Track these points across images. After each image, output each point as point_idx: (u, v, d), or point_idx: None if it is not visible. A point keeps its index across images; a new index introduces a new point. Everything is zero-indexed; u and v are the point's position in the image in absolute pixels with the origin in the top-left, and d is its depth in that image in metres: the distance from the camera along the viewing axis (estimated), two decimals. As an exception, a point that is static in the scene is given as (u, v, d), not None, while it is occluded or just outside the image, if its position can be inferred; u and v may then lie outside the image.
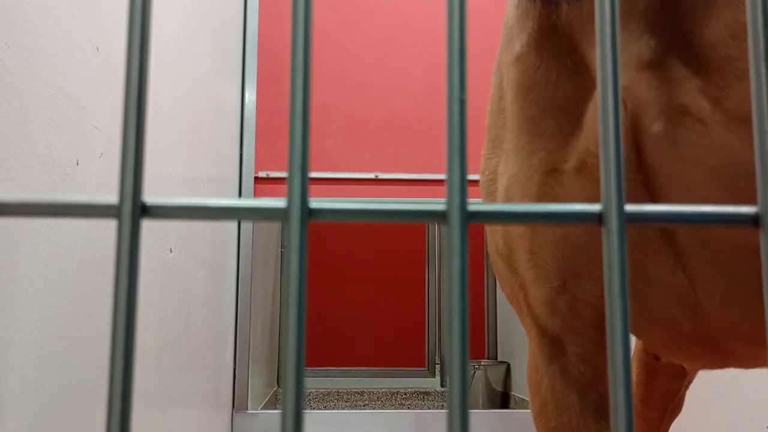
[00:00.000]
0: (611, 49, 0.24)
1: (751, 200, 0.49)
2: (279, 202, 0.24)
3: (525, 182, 0.61)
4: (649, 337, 0.71)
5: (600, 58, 0.24)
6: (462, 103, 0.24)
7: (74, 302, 0.90)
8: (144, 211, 0.23)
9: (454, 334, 0.23)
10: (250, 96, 2.24)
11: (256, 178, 2.18)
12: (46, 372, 0.82)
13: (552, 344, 0.67)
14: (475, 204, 0.24)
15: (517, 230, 0.62)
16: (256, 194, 2.17)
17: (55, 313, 0.85)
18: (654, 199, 0.55)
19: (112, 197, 0.23)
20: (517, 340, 3.09)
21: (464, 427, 0.22)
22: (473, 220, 0.23)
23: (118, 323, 0.23)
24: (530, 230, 0.61)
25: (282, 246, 3.27)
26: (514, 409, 2.92)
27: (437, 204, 0.24)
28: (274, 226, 3.04)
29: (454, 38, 0.24)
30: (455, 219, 0.23)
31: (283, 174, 2.17)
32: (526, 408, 2.71)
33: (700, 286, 0.57)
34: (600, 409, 0.68)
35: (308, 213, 0.23)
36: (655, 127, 0.54)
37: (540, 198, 0.60)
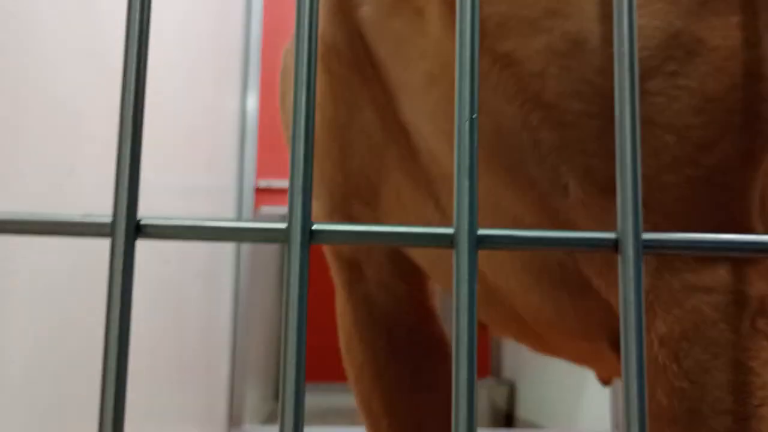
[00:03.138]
0: (629, 64, 0.23)
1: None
2: (279, 224, 0.23)
3: (283, 76, 0.59)
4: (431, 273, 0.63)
5: (617, 73, 0.23)
6: (473, 122, 0.23)
7: (66, 315, 0.89)
8: (139, 230, 0.22)
9: (461, 360, 0.22)
10: (252, 103, 2.21)
11: (257, 189, 2.16)
12: (36, 386, 0.80)
13: (349, 268, 0.61)
14: (486, 229, 0.23)
15: (318, 127, 0.54)
16: (257, 205, 2.15)
17: (46, 326, 0.83)
18: (392, 103, 0.49)
19: (106, 215, 0.22)
20: (523, 360, 3.06)
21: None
22: (483, 245, 0.22)
23: (111, 343, 0.22)
24: (321, 141, 0.54)
25: (282, 257, 3.26)
26: (518, 428, 2.89)
27: (445, 228, 0.23)
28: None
29: (465, 56, 0.23)
30: (464, 244, 0.22)
31: (285, 184, 2.15)
32: (532, 428, 2.69)
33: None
34: (412, 352, 0.62)
35: (310, 235, 0.22)
36: (365, 9, 0.47)
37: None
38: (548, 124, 0.40)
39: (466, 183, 0.23)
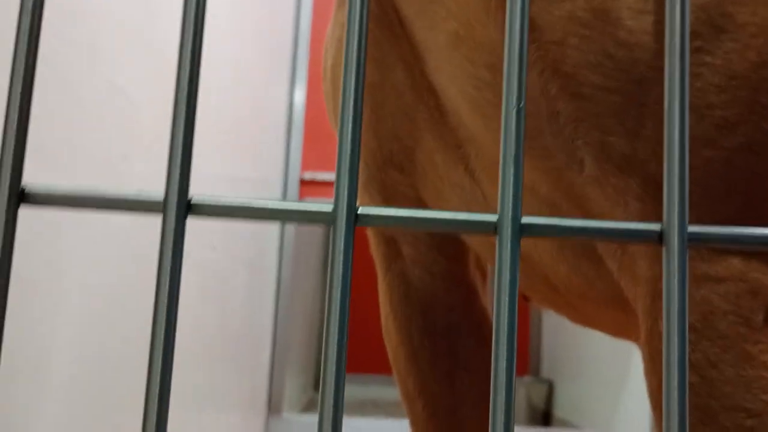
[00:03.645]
0: (680, 54, 0.23)
1: (490, 75, 0.42)
2: (325, 206, 0.23)
3: (327, 42, 0.58)
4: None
5: (668, 61, 0.23)
6: (520, 111, 0.23)
7: (113, 297, 0.91)
8: (189, 208, 0.23)
9: (500, 350, 0.22)
10: (299, 96, 2.23)
11: (302, 181, 2.18)
12: (82, 366, 0.83)
13: (386, 244, 0.60)
14: (530, 217, 0.23)
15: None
16: (301, 197, 2.17)
17: (94, 308, 0.86)
18: (420, 63, 0.48)
19: (158, 193, 0.23)
20: (562, 358, 3.04)
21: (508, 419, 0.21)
22: (526, 233, 0.22)
23: (159, 320, 0.23)
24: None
25: (325, 248, 3.28)
26: (555, 427, 2.86)
27: (489, 215, 0.23)
28: (318, 230, 3.05)
29: (513, 45, 0.24)
30: (507, 231, 0.22)
31: (330, 177, 2.17)
32: (569, 428, 2.66)
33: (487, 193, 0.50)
34: (450, 332, 0.60)
35: (355, 218, 0.23)
36: None
37: (335, 56, 0.55)
38: (566, 95, 0.39)
39: (511, 172, 0.23)
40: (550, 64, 0.39)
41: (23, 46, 0.24)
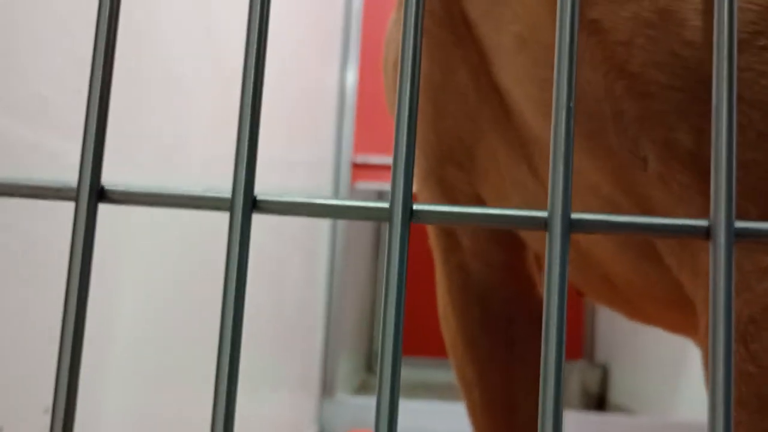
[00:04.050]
0: (728, 53, 0.23)
1: (551, 73, 0.42)
2: (382, 203, 0.24)
3: (387, 39, 0.59)
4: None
5: (716, 56, 0.24)
6: (569, 110, 0.24)
7: (173, 288, 0.94)
8: (255, 205, 0.24)
9: (550, 345, 0.23)
10: (351, 79, 2.23)
11: (354, 164, 2.19)
12: (143, 355, 0.86)
13: (445, 236, 0.62)
14: (579, 213, 0.24)
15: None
16: (353, 180, 2.18)
17: (154, 299, 0.89)
18: (485, 64, 0.49)
19: (225, 190, 0.24)
20: (617, 342, 3.01)
21: (557, 413, 0.22)
22: (576, 229, 0.23)
23: (227, 314, 0.24)
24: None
25: (376, 232, 3.30)
26: (610, 412, 2.85)
27: (540, 211, 0.24)
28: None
29: (564, 43, 0.24)
30: (557, 227, 0.23)
31: (381, 160, 2.17)
32: (625, 412, 2.64)
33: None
34: (508, 322, 0.61)
35: (410, 215, 0.24)
36: None
37: (396, 55, 0.56)
38: (631, 94, 0.40)
39: (561, 168, 0.23)
40: (615, 65, 0.40)
41: (102, 47, 0.25)
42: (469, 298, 0.62)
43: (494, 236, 0.60)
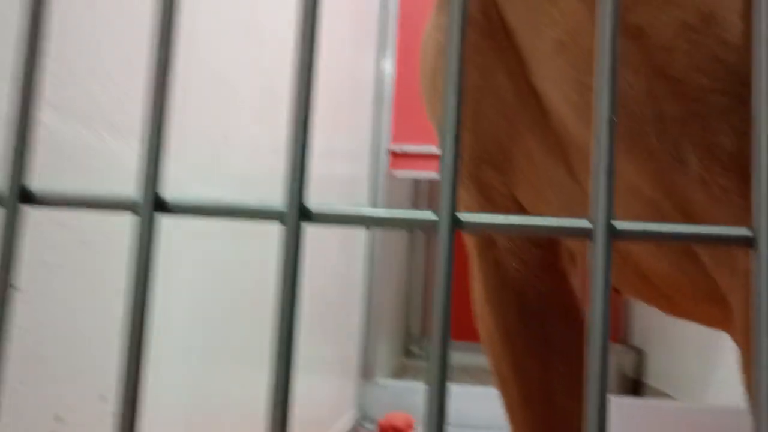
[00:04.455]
0: (766, 56, 0.24)
1: (590, 78, 0.43)
2: (429, 213, 0.25)
3: (424, 44, 0.60)
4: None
5: (755, 65, 0.24)
6: (611, 123, 0.24)
7: (223, 271, 0.97)
8: (307, 216, 0.25)
9: (594, 351, 0.24)
10: (388, 67, 2.24)
11: (391, 152, 2.20)
12: (194, 334, 0.88)
13: (481, 235, 0.63)
14: (622, 222, 0.24)
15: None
16: (390, 168, 2.19)
17: (204, 281, 0.91)
18: (523, 68, 0.50)
19: (278, 204, 0.26)
20: (652, 327, 2.98)
21: (602, 416, 0.23)
22: (619, 238, 0.24)
23: (283, 316, 0.25)
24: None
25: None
26: (646, 396, 2.83)
27: (583, 221, 0.24)
28: (406, 199, 3.08)
29: (604, 55, 0.25)
30: (600, 237, 0.24)
31: (418, 149, 2.18)
32: (661, 396, 2.62)
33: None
34: (544, 318, 0.62)
35: (456, 224, 0.25)
36: None
37: (434, 60, 0.57)
38: (673, 98, 0.40)
39: (603, 179, 0.24)
40: (657, 69, 0.40)
41: (163, 40, 0.26)
42: (505, 294, 0.62)
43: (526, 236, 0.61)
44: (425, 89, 0.61)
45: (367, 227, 0.26)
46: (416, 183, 3.29)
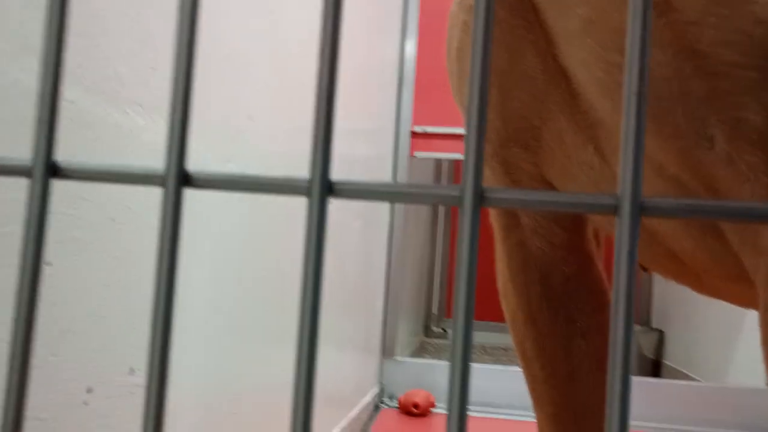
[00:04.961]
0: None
1: (618, 57, 0.43)
2: (453, 189, 0.25)
3: (450, 24, 0.60)
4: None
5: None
6: (641, 95, 0.24)
7: (244, 248, 0.97)
8: (331, 191, 0.25)
9: (618, 329, 0.23)
10: (410, 49, 2.24)
11: (413, 133, 2.20)
12: (217, 310, 0.89)
13: (505, 214, 0.63)
14: (649, 197, 0.24)
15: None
16: (412, 150, 2.19)
17: (226, 258, 0.92)
18: (552, 48, 0.50)
19: (303, 178, 0.26)
20: (672, 308, 2.97)
21: (624, 403, 0.23)
22: (647, 213, 0.24)
23: (307, 291, 0.25)
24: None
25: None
26: (666, 377, 2.82)
27: (609, 197, 0.24)
28: (427, 181, 3.08)
29: (635, 27, 0.24)
30: (626, 212, 0.24)
31: (440, 130, 2.18)
32: (680, 378, 2.62)
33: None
34: (568, 298, 0.62)
35: (481, 199, 0.25)
36: None
37: (460, 40, 0.58)
38: (700, 74, 0.40)
39: (631, 153, 0.24)
40: (685, 45, 0.40)
41: (186, 25, 0.26)
42: (529, 275, 0.62)
43: (553, 216, 0.62)
44: (451, 68, 0.62)
45: (392, 202, 0.26)
46: (438, 164, 3.28)
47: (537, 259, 0.62)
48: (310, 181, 0.25)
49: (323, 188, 0.25)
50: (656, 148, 0.44)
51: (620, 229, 0.24)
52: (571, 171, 0.54)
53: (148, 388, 0.26)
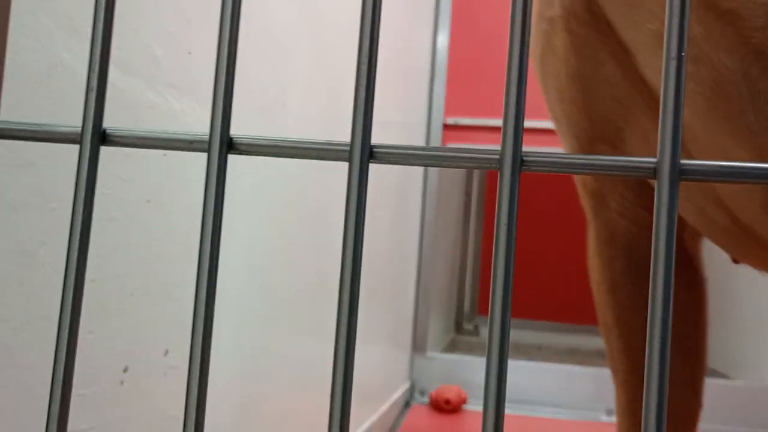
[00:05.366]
0: None
1: (690, 66, 0.46)
2: (494, 152, 0.25)
3: (531, 30, 0.67)
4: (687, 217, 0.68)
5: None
6: (680, 59, 0.24)
7: (279, 232, 0.98)
8: (372, 155, 0.26)
9: (657, 289, 0.24)
10: (442, 40, 2.24)
11: (445, 125, 2.20)
12: (250, 294, 0.90)
13: (593, 197, 0.68)
14: (689, 161, 0.24)
15: (564, 77, 0.62)
16: (444, 141, 2.19)
17: (260, 240, 0.93)
18: (630, 57, 0.54)
19: (344, 143, 0.26)
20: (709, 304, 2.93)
21: (661, 399, 0.23)
22: (685, 177, 0.24)
23: (347, 260, 0.26)
24: (571, 80, 0.60)
25: (466, 195, 3.29)
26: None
27: (648, 159, 0.24)
28: (460, 173, 3.07)
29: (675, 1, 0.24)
30: (665, 175, 0.24)
31: (472, 122, 2.17)
32: (717, 377, 2.58)
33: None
34: (647, 277, 0.66)
35: (521, 163, 0.25)
36: None
37: (541, 46, 0.62)
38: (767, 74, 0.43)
39: (670, 117, 0.24)
40: (752, 49, 0.43)
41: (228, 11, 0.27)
42: (613, 249, 0.68)
43: (639, 199, 0.66)
44: (534, 69, 0.68)
45: (431, 166, 0.26)
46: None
47: (622, 237, 0.67)
48: (351, 146, 0.26)
49: (364, 152, 0.26)
50: (735, 148, 0.47)
51: (660, 191, 0.24)
52: None
53: (191, 370, 0.26)
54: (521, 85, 0.24)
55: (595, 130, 0.60)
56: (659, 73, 0.50)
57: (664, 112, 0.24)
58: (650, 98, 0.55)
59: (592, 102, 0.59)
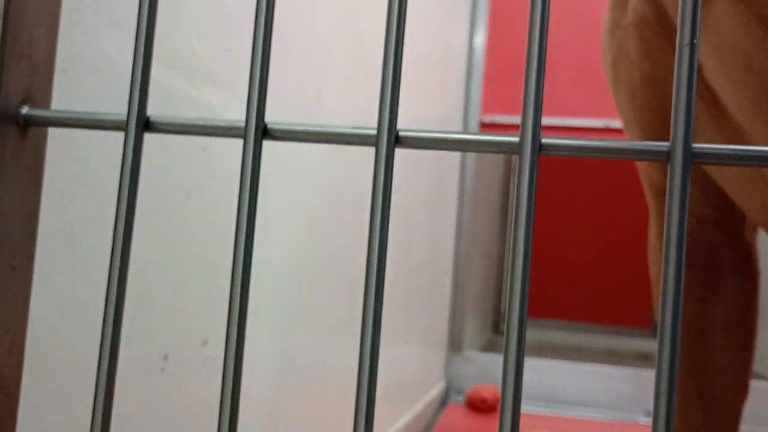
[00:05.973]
0: None
1: (743, 75, 0.50)
2: (512, 137, 0.27)
3: (605, 36, 0.70)
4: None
5: None
6: (693, 46, 0.25)
7: (314, 223, 1.00)
8: (398, 140, 0.27)
9: (669, 267, 0.25)
10: (479, 38, 2.24)
11: (482, 123, 2.20)
12: (287, 285, 0.92)
13: (657, 193, 0.71)
14: (701, 145, 0.25)
15: (638, 82, 0.66)
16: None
17: (296, 233, 0.94)
18: (700, 67, 0.58)
19: (371, 128, 0.28)
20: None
21: (674, 333, 0.24)
22: (697, 159, 0.25)
23: (373, 237, 0.27)
24: (643, 83, 0.64)
25: (503, 196, 3.29)
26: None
27: (662, 143, 0.25)
28: (498, 173, 3.07)
29: (690, -16, 0.25)
30: (678, 158, 0.25)
31: (509, 120, 2.17)
32: (754, 378, 2.54)
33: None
34: (711, 266, 0.69)
35: (539, 147, 0.26)
36: None
37: (615, 52, 0.66)
38: None
39: (683, 103, 0.25)
40: None
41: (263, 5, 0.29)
42: None
43: (705, 196, 0.70)
44: (606, 74, 0.73)
45: (455, 150, 0.28)
46: (507, 156, 3.27)
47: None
48: (378, 130, 0.27)
49: (390, 137, 0.27)
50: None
51: (673, 173, 0.25)
52: (728, 179, 0.63)
53: (226, 360, 0.28)
54: (540, 77, 0.25)
55: (666, 131, 0.63)
56: (716, 82, 0.54)
57: (677, 98, 0.25)
58: (714, 106, 0.58)
59: (665, 106, 0.63)
